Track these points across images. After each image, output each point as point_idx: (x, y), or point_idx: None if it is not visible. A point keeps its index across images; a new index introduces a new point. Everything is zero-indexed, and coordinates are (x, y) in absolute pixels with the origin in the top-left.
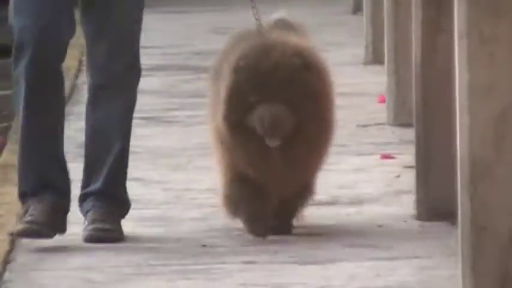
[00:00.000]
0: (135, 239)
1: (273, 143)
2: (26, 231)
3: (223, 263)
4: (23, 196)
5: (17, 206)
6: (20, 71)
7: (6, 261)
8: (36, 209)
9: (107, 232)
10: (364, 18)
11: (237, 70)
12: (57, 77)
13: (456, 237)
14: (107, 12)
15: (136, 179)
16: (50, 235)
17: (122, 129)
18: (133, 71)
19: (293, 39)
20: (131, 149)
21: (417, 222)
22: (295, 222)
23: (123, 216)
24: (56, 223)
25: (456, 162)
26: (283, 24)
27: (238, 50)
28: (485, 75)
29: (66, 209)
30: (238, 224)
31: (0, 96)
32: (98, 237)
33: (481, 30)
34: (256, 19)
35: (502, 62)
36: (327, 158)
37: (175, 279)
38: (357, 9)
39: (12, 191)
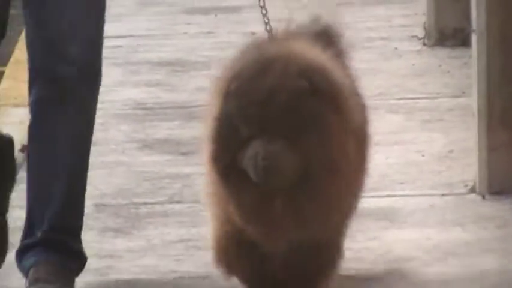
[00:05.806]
0: None
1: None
2: None
3: None
4: None
5: None
6: None
7: None
8: None
9: None
10: None
11: (227, 95)
12: None
13: None
14: None
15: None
16: None
17: (77, 155)
18: (89, 76)
19: (306, 51)
20: None
21: None
22: None
23: (77, 274)
24: None
25: None
26: (316, 30)
27: (234, 67)
28: None
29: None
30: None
31: None
32: None
33: None
34: (266, 22)
35: None
36: (351, 214)
37: None
38: None
39: None
